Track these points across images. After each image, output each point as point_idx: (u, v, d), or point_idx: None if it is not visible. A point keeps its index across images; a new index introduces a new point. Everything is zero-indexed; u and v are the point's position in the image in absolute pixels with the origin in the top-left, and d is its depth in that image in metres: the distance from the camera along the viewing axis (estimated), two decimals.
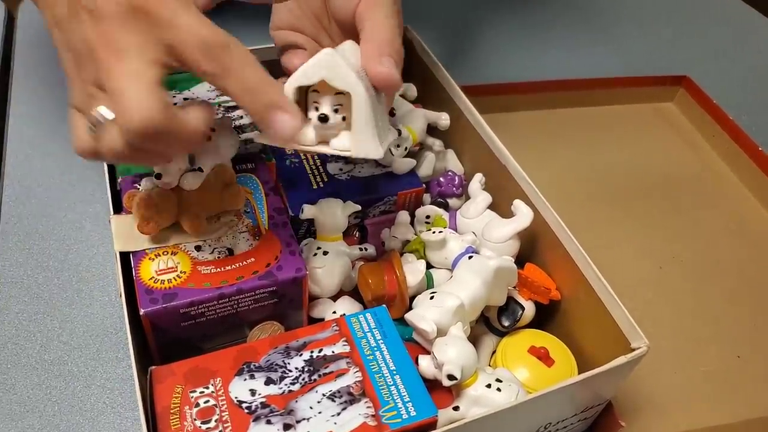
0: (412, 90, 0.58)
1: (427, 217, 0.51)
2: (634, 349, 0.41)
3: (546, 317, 0.49)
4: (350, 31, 0.43)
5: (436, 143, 0.57)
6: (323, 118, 0.38)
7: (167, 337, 0.41)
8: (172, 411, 0.36)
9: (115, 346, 0.49)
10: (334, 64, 0.37)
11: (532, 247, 0.50)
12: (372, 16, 0.40)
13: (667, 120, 0.77)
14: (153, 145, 0.32)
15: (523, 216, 0.48)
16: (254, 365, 0.38)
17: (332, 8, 0.43)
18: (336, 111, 0.38)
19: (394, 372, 0.39)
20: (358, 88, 0.37)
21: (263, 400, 0.37)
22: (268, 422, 0.36)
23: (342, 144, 0.39)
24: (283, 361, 0.39)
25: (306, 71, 0.38)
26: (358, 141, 0.38)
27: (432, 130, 0.57)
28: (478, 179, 0.52)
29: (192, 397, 0.37)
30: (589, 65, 0.82)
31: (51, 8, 0.34)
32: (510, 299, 0.47)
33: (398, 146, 0.51)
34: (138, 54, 0.31)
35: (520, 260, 0.49)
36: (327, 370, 0.38)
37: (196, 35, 0.32)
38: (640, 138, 0.75)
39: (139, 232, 0.42)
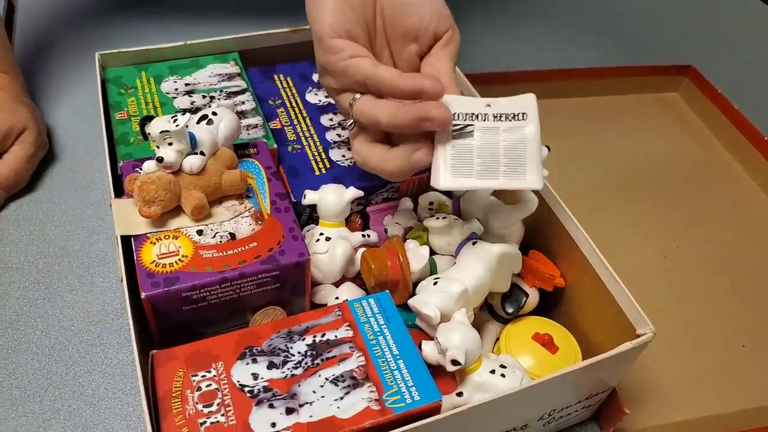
0: None
1: (431, 203, 0.51)
2: (639, 336, 0.41)
3: (550, 304, 0.49)
4: (406, 45, 0.43)
5: None
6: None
7: (169, 321, 0.40)
8: (173, 395, 0.36)
9: (116, 331, 0.49)
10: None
11: (536, 234, 0.50)
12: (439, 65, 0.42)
13: (671, 110, 0.77)
14: None
15: (527, 202, 0.47)
16: (256, 349, 0.38)
17: (405, 23, 0.42)
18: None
19: (398, 357, 0.38)
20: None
21: (266, 384, 0.36)
22: (271, 406, 0.35)
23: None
24: (285, 345, 0.38)
25: (536, 120, 0.40)
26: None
27: None
28: None
29: (194, 381, 0.36)
30: (592, 54, 0.82)
31: None
32: (514, 286, 0.46)
33: None
34: None
35: (524, 247, 0.49)
36: (330, 355, 0.38)
37: None
38: (644, 128, 0.74)
39: (141, 216, 0.41)
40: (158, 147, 0.41)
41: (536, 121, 0.40)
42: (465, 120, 0.40)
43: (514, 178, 0.40)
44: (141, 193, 0.41)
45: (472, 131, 0.40)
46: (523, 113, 0.40)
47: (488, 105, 0.41)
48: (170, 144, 0.41)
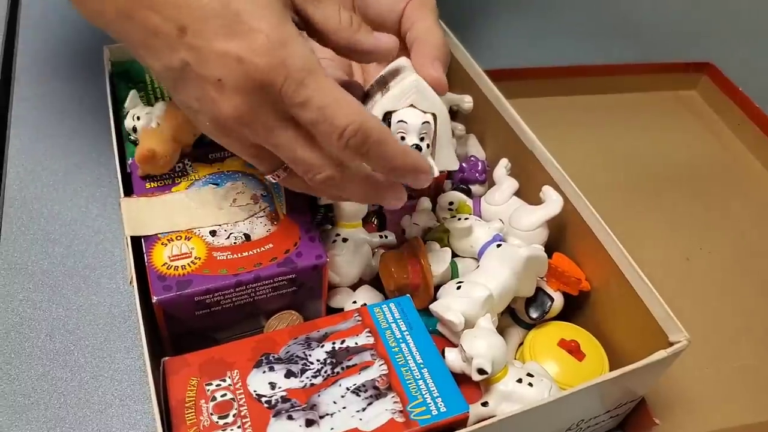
0: None
1: (450, 203, 0.49)
2: (672, 343, 0.39)
3: (573, 309, 0.47)
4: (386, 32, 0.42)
5: (458, 127, 0.54)
6: (418, 149, 0.38)
7: (180, 326, 0.39)
8: (187, 405, 0.34)
9: (123, 335, 0.47)
10: (422, 89, 0.38)
11: (558, 236, 0.48)
12: (422, 17, 0.40)
13: (689, 108, 0.75)
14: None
15: (552, 203, 0.45)
16: (273, 357, 0.36)
17: (374, 9, 0.41)
18: (422, 139, 0.38)
19: (422, 365, 0.37)
20: (443, 110, 0.39)
21: (284, 393, 0.35)
22: (290, 417, 0.33)
23: None
24: (303, 352, 0.37)
25: (396, 97, 0.38)
26: (440, 157, 0.40)
27: (452, 114, 0.55)
28: (503, 164, 0.50)
29: (208, 390, 0.34)
30: (608, 51, 0.80)
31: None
32: (539, 290, 0.45)
33: None
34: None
35: (547, 249, 0.47)
36: (350, 363, 0.36)
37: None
38: (662, 126, 0.72)
39: (150, 218, 0.40)
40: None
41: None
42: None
43: None
44: (144, 143, 0.42)
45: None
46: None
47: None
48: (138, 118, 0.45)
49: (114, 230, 0.53)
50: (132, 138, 0.46)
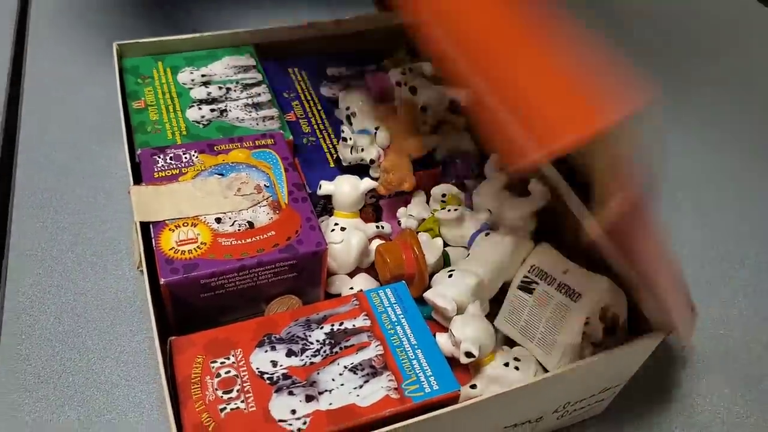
0: (427, 68, 0.58)
1: (443, 195, 0.51)
2: (656, 330, 0.41)
3: None
4: None
5: (459, 120, 0.56)
6: None
7: (186, 308, 0.41)
8: (193, 381, 0.36)
9: (129, 318, 0.49)
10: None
11: (549, 227, 0.50)
12: None
13: None
14: None
15: (539, 195, 0.47)
16: (275, 337, 0.38)
17: None
18: None
19: (416, 346, 0.39)
20: None
21: (285, 371, 0.36)
22: (291, 393, 0.35)
23: None
24: (303, 333, 0.39)
25: None
26: None
27: (452, 108, 0.57)
28: (494, 159, 0.52)
29: (213, 368, 0.36)
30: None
31: None
32: None
33: (424, 123, 0.51)
34: None
35: (537, 240, 0.49)
36: (348, 343, 0.38)
37: None
38: None
39: (158, 205, 0.41)
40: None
41: (588, 307, 0.40)
42: (535, 276, 0.43)
43: (541, 350, 0.42)
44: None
45: (534, 290, 0.43)
46: (580, 294, 0.41)
47: (565, 271, 0.42)
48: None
49: (120, 219, 0.55)
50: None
